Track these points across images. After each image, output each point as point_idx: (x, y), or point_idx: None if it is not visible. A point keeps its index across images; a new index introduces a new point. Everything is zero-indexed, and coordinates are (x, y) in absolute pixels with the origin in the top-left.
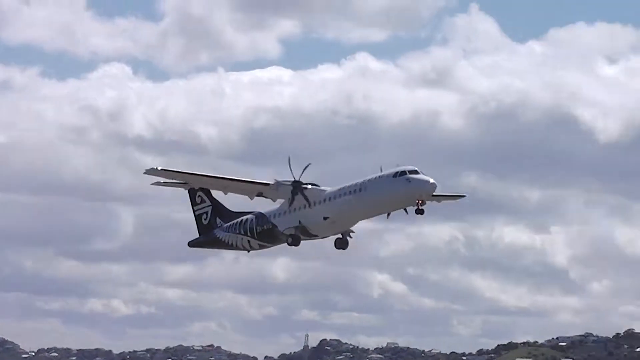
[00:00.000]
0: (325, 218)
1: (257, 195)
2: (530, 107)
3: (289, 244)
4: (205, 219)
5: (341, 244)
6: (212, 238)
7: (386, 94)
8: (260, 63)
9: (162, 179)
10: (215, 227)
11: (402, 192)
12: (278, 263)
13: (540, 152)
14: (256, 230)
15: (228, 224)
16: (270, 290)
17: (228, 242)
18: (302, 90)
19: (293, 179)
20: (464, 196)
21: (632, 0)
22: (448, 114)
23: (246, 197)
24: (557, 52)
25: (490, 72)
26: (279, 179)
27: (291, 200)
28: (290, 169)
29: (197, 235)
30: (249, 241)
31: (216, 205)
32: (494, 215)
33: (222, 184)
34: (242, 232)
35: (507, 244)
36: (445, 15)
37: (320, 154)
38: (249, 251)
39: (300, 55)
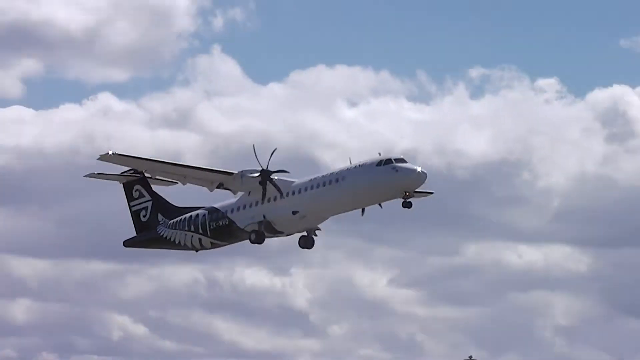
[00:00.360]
0: (294, 212)
1: (218, 187)
2: (272, 148)
3: (252, 241)
4: (144, 216)
5: (306, 242)
6: (154, 236)
7: (128, 135)
8: (1, 102)
9: (96, 172)
10: (158, 225)
11: (387, 183)
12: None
13: None
14: (209, 226)
15: (173, 220)
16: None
17: (174, 240)
18: (44, 130)
19: (260, 168)
20: (432, 193)
21: (371, 44)
22: (190, 155)
23: (194, 192)
24: (298, 94)
25: (232, 114)
26: (245, 168)
27: (263, 193)
28: (256, 157)
29: (134, 234)
30: (199, 239)
31: (157, 200)
32: (235, 257)
33: (182, 172)
34: (192, 229)
35: (248, 286)
36: (187, 56)
37: (61, 194)
38: (197, 251)
39: (42, 94)
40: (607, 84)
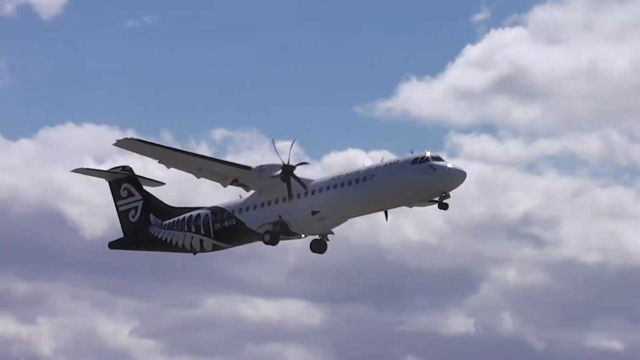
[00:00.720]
0: (314, 213)
1: (232, 183)
2: (20, 203)
3: (265, 242)
4: (133, 216)
5: (318, 246)
6: (147, 237)
7: None
8: None
9: (85, 166)
10: (150, 225)
11: (424, 182)
12: None
13: (29, 246)
14: (213, 227)
15: (169, 220)
16: None
17: (170, 241)
18: None
19: (282, 163)
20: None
21: (118, 104)
22: None
23: (184, 192)
24: (47, 151)
25: None
26: (263, 163)
27: (288, 189)
28: (276, 151)
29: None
30: (201, 240)
31: (149, 200)
32: None
33: (199, 164)
34: (193, 230)
35: None
36: None
37: None
38: (195, 253)
39: None
40: (342, 148)
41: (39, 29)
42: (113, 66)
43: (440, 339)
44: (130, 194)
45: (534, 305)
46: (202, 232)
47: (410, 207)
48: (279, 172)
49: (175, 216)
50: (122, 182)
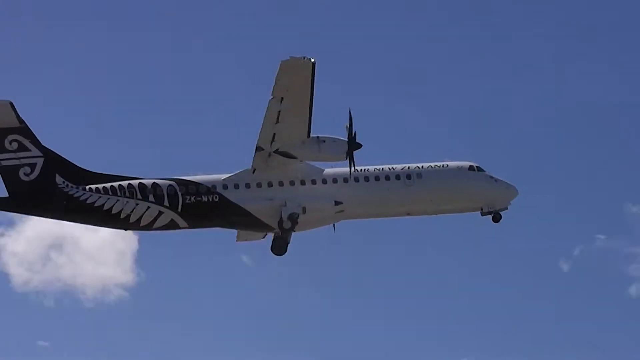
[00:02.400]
0: (337, 203)
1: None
2: None
3: (282, 229)
4: (27, 174)
5: (280, 246)
6: (61, 200)
7: None
8: None
9: None
10: (56, 188)
11: (483, 191)
12: None
13: None
14: (183, 200)
15: (100, 185)
16: None
17: (108, 208)
18: None
19: (347, 139)
20: None
21: None
22: None
23: None
24: None
25: None
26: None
27: (350, 165)
28: (351, 123)
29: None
30: (159, 212)
31: (53, 158)
32: None
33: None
34: (151, 200)
35: None
36: None
37: None
38: (127, 229)
39: None
40: None
41: None
42: None
43: None
44: (22, 148)
45: None
46: (165, 203)
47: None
48: (343, 147)
49: (101, 183)
50: (9, 132)
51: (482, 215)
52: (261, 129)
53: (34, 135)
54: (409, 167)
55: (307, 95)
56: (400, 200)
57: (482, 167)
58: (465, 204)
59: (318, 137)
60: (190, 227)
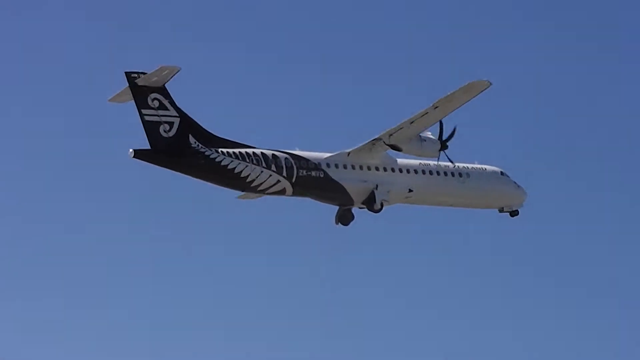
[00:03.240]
0: (410, 190)
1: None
2: None
3: (371, 208)
4: (166, 131)
5: (348, 218)
6: (199, 159)
7: None
8: None
9: None
10: (188, 147)
11: (509, 194)
12: None
13: None
14: (298, 173)
15: (236, 150)
16: None
17: (240, 172)
18: None
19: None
20: None
21: None
22: None
23: None
24: None
25: None
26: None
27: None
28: (441, 127)
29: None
30: (278, 181)
31: (187, 120)
32: None
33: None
34: (274, 169)
35: None
36: None
37: None
38: (244, 191)
39: None
40: None
41: None
42: None
43: None
44: (162, 107)
45: None
46: (284, 174)
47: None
48: (438, 147)
49: (223, 147)
50: (151, 91)
51: (499, 212)
52: (396, 125)
53: (171, 96)
54: (459, 166)
55: (457, 107)
56: (454, 193)
57: (506, 172)
58: (495, 202)
59: (420, 135)
60: (293, 195)
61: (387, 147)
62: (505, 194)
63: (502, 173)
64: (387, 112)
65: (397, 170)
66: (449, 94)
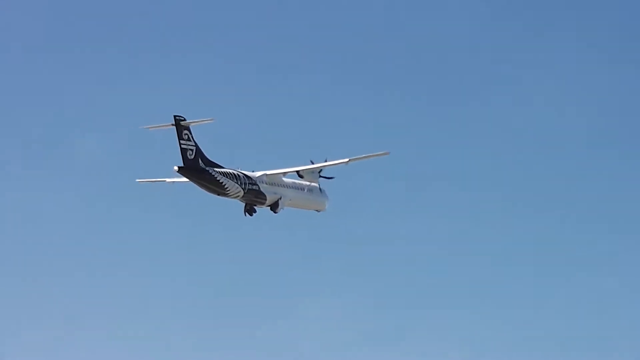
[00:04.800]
0: (290, 200)
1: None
2: None
3: (272, 208)
4: (190, 155)
5: (252, 211)
6: (208, 174)
7: None
8: None
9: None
10: (199, 165)
11: (324, 201)
12: None
13: None
14: (247, 186)
15: (222, 170)
16: None
17: (224, 184)
18: None
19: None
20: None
21: None
22: None
23: None
24: None
25: None
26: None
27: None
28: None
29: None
30: (239, 192)
31: (198, 148)
32: None
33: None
34: (239, 183)
35: None
36: None
37: None
38: (227, 197)
39: None
40: None
41: None
42: None
43: None
44: (189, 138)
45: None
46: (242, 186)
47: None
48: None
49: (211, 167)
50: (185, 128)
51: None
52: (310, 167)
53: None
54: (304, 184)
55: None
56: (307, 201)
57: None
58: (320, 207)
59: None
60: (243, 199)
61: (296, 174)
62: (323, 201)
63: (320, 189)
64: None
65: (285, 187)
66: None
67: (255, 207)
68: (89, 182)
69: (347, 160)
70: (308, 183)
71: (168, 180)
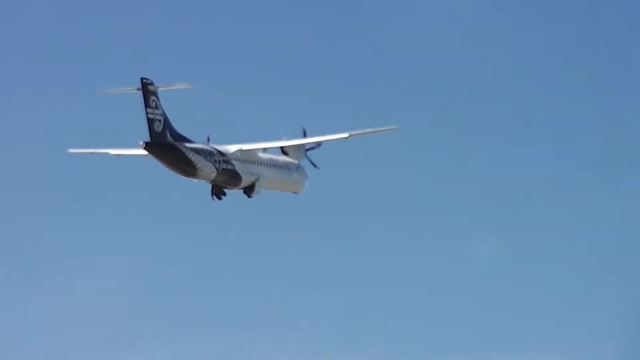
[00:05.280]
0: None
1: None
2: None
3: (241, 190)
4: (158, 127)
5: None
6: (179, 150)
7: None
8: None
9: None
10: (168, 139)
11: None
12: None
13: None
14: (220, 165)
15: (193, 145)
16: None
17: (195, 163)
18: None
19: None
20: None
21: None
22: None
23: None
24: None
25: None
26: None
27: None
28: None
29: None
30: (215, 170)
31: (166, 118)
32: None
33: None
34: (213, 162)
35: None
36: None
37: None
38: (196, 179)
39: None
40: None
41: None
42: None
43: None
44: (156, 106)
45: None
46: (216, 165)
47: None
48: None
49: (181, 142)
50: (152, 93)
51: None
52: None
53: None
54: (283, 160)
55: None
56: (286, 182)
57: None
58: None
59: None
60: (214, 180)
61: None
62: (303, 181)
63: (299, 167)
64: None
65: (263, 165)
66: (363, 132)
67: (225, 189)
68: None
69: (347, 135)
70: (286, 159)
71: (112, 152)
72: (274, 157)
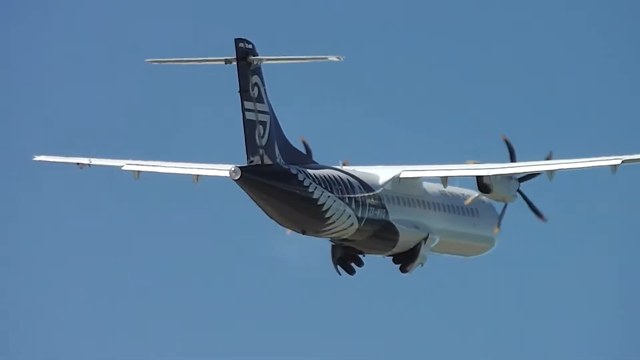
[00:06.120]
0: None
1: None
2: None
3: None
4: (262, 135)
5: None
6: (295, 186)
7: None
8: None
9: None
10: (283, 165)
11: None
12: None
13: None
14: (368, 212)
15: (315, 172)
16: None
17: (326, 209)
18: None
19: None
20: None
21: None
22: None
23: None
24: None
25: None
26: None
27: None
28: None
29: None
30: (356, 222)
31: (275, 122)
32: None
33: None
34: (353, 205)
35: None
36: None
37: None
38: (315, 236)
39: None
40: None
41: None
42: None
43: None
44: (259, 99)
45: None
46: (359, 214)
47: None
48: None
49: (305, 164)
50: (254, 72)
51: None
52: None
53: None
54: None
55: None
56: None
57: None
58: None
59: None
60: (354, 238)
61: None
62: (492, 235)
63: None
64: None
65: (433, 207)
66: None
67: (361, 256)
68: None
69: (618, 161)
70: (465, 192)
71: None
72: (447, 190)
